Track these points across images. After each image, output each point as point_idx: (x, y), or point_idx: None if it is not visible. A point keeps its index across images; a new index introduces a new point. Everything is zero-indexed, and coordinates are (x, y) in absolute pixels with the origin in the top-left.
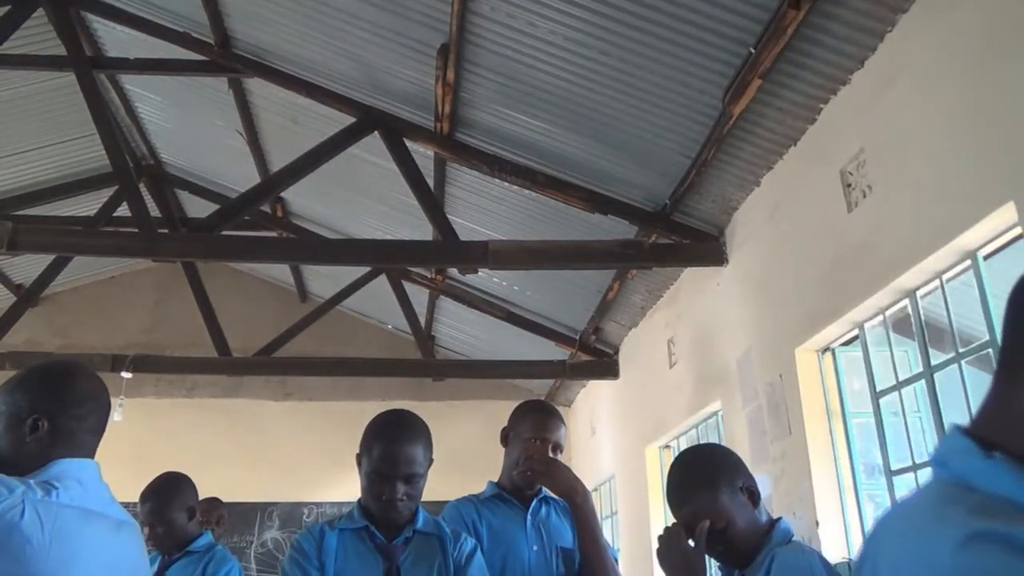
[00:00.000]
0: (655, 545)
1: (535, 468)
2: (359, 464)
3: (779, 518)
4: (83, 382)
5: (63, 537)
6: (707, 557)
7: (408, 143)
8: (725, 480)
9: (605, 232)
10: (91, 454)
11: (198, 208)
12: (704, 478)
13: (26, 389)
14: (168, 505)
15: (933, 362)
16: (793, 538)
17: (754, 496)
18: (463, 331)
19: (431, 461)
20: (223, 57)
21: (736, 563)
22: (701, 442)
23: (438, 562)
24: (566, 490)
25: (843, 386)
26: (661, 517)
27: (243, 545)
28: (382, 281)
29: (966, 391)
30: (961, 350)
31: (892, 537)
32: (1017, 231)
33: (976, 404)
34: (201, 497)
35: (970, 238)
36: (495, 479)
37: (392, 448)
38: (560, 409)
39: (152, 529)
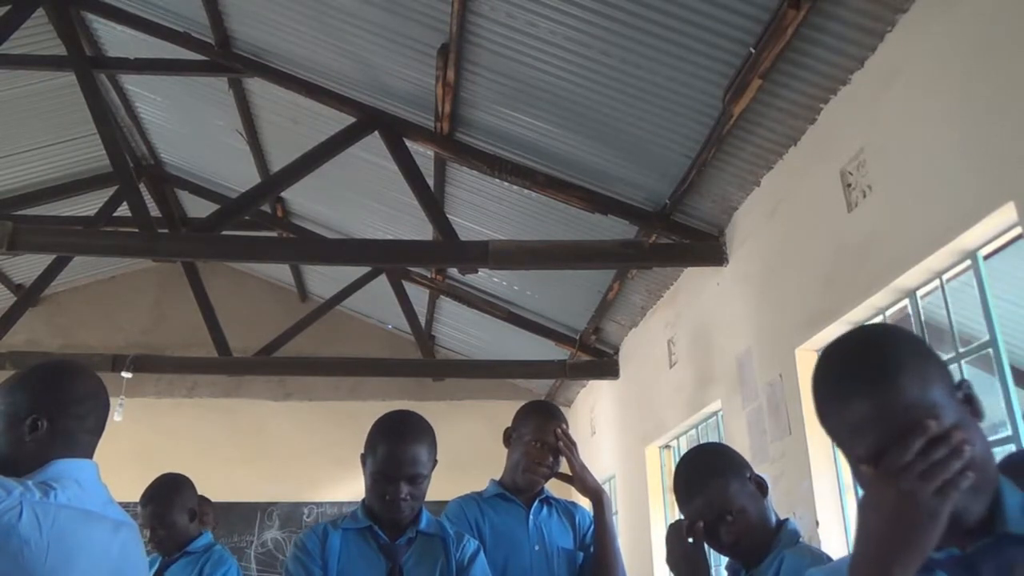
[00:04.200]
0: (655, 545)
1: (574, 470)
2: (363, 464)
3: (786, 519)
4: (82, 381)
5: (61, 538)
6: (712, 555)
7: (408, 143)
8: (732, 469)
9: (605, 232)
10: (90, 454)
11: (198, 208)
12: (712, 469)
13: (25, 388)
14: (171, 508)
15: None
16: (800, 539)
17: (762, 487)
18: (463, 331)
19: (435, 462)
20: (223, 57)
21: (746, 557)
22: (703, 442)
23: (440, 562)
24: (596, 489)
25: None
26: (661, 517)
27: (243, 545)
28: (382, 281)
29: None
30: (961, 350)
31: None
32: (1017, 231)
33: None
34: None
35: (970, 238)
36: (494, 478)
37: (396, 449)
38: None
39: (154, 531)
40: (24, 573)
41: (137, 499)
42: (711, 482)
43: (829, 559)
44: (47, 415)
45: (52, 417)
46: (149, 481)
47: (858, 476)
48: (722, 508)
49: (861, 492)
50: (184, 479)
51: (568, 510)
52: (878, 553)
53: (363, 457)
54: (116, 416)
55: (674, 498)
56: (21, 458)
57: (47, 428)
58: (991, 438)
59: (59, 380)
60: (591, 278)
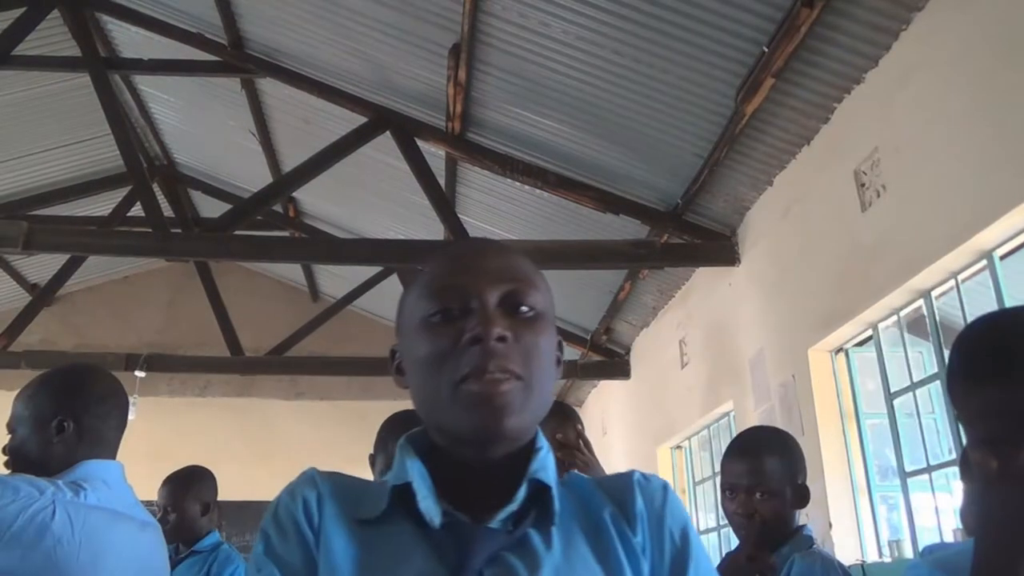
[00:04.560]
0: None
1: (591, 472)
2: (372, 465)
3: (804, 525)
4: (101, 381)
5: (92, 538)
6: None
7: (419, 143)
8: (791, 463)
9: (617, 232)
10: (114, 453)
11: (211, 208)
12: (774, 449)
13: (47, 392)
14: (187, 493)
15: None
16: (813, 545)
17: (804, 497)
18: None
19: None
20: (236, 58)
21: (756, 542)
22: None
23: None
24: None
25: (857, 387)
26: None
27: (254, 543)
28: (394, 281)
29: None
30: None
31: None
32: None
33: None
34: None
35: (986, 238)
36: None
37: None
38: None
39: (164, 514)
40: (56, 571)
41: (149, 497)
42: (766, 457)
43: (840, 564)
44: (72, 416)
45: (78, 417)
46: (161, 479)
47: (966, 466)
48: (760, 484)
49: (962, 484)
50: (207, 473)
51: None
52: (1003, 553)
53: (371, 457)
54: (130, 415)
55: (722, 459)
56: (50, 460)
57: (74, 428)
58: None
59: (79, 381)
60: (602, 278)
